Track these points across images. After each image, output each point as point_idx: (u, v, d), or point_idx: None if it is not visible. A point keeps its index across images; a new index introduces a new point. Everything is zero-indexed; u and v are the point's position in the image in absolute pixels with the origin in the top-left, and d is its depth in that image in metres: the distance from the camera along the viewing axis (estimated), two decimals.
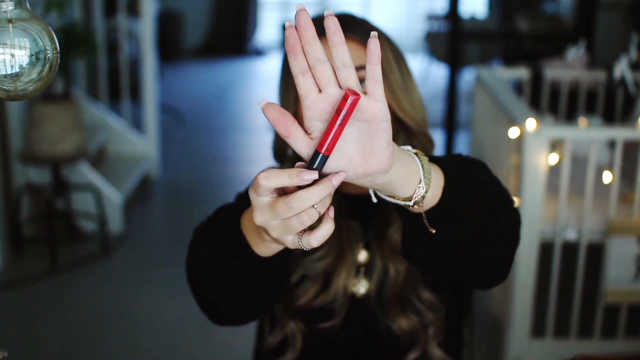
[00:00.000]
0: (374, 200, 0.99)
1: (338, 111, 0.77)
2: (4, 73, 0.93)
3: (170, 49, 8.37)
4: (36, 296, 3.31)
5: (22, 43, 0.92)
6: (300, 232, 0.82)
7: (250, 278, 1.03)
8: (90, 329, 3.05)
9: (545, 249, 2.68)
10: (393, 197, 0.89)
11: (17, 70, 0.92)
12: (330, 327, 1.28)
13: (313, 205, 0.79)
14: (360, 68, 1.13)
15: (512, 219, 1.02)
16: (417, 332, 1.27)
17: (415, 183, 0.87)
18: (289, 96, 1.22)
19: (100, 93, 4.59)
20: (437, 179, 0.90)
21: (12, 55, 0.91)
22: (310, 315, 1.28)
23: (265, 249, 0.97)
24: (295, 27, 0.75)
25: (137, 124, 4.83)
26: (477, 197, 0.95)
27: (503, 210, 1.00)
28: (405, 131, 1.24)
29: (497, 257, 1.00)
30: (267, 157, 5.49)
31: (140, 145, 4.70)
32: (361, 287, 1.29)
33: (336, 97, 0.78)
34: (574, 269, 2.70)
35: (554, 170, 2.74)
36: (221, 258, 1.04)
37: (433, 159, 0.94)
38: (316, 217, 0.80)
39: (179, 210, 4.41)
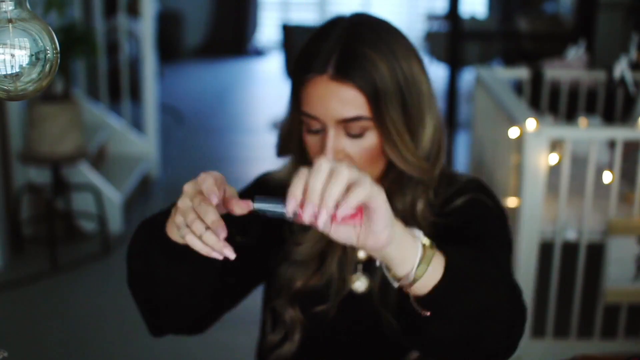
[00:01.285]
0: (377, 264, 1.02)
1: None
2: (4, 73, 0.93)
3: (170, 49, 8.36)
4: (36, 296, 3.31)
5: (22, 43, 0.92)
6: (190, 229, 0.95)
7: (159, 263, 1.06)
8: (90, 329, 3.05)
9: (545, 249, 2.68)
10: (389, 269, 0.96)
11: (17, 70, 0.92)
12: (325, 311, 1.28)
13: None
14: (358, 119, 1.13)
15: (514, 323, 1.07)
16: None
17: (408, 269, 0.94)
18: (296, 117, 1.22)
19: (100, 93, 4.59)
20: (434, 272, 0.95)
21: (12, 56, 0.91)
22: (306, 300, 1.29)
23: (172, 230, 1.03)
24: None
25: (137, 124, 4.83)
26: (472, 300, 0.98)
27: (502, 316, 1.03)
28: (407, 174, 1.22)
29: (490, 354, 1.04)
30: (267, 157, 5.49)
31: (140, 145, 4.70)
32: (360, 284, 1.28)
33: None
34: (574, 269, 2.70)
35: (554, 170, 2.74)
36: (143, 239, 1.10)
37: (445, 248, 0.98)
38: (198, 233, 0.93)
39: None
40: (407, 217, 1.23)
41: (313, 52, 1.16)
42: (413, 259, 0.94)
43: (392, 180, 1.23)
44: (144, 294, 1.13)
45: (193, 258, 1.02)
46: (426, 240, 0.96)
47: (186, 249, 1.00)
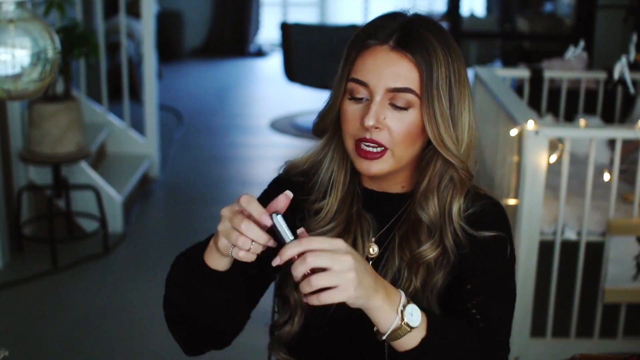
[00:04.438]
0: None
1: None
2: (5, 73, 0.93)
3: (170, 49, 8.37)
4: (36, 296, 3.31)
5: (23, 43, 0.92)
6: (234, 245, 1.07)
7: (199, 291, 1.17)
8: (90, 329, 3.06)
9: (545, 248, 2.68)
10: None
11: (18, 70, 0.93)
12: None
13: (253, 240, 1.06)
14: (407, 90, 1.19)
15: None
16: None
17: (382, 331, 1.08)
18: (340, 89, 1.25)
19: (101, 93, 4.59)
20: (410, 340, 1.09)
21: (13, 56, 0.91)
22: None
23: (211, 258, 1.15)
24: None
25: (137, 124, 4.83)
26: None
27: None
28: (444, 158, 1.24)
29: None
30: (267, 157, 5.49)
31: (140, 145, 4.70)
32: None
33: None
34: (574, 268, 2.70)
35: (554, 170, 2.74)
36: (182, 271, 1.21)
37: (434, 320, 1.11)
38: (245, 247, 1.06)
39: (179, 209, 4.42)
40: (444, 218, 1.26)
41: (377, 24, 1.23)
42: (387, 326, 1.08)
43: (429, 181, 1.26)
44: (184, 322, 1.22)
45: (231, 281, 1.16)
46: (407, 314, 1.08)
47: (224, 275, 1.14)
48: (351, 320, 1.30)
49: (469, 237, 1.26)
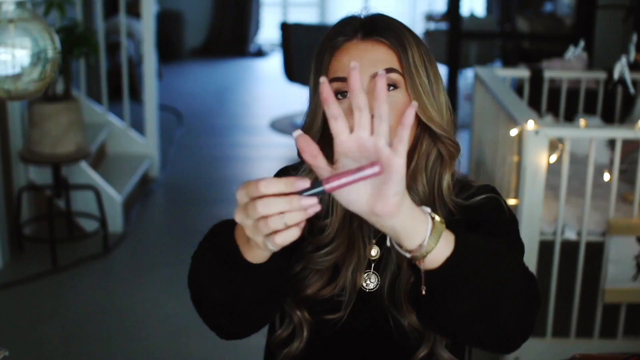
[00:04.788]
0: (388, 244, 1.03)
1: (360, 169, 0.87)
2: (5, 73, 0.93)
3: (170, 49, 8.37)
4: (36, 296, 3.31)
5: (23, 43, 0.92)
6: (269, 235, 0.90)
7: (245, 287, 1.10)
8: (90, 329, 3.06)
9: (545, 248, 2.68)
10: (400, 245, 0.98)
11: (19, 70, 0.93)
12: (336, 319, 1.28)
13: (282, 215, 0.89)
14: (390, 70, 1.21)
15: (529, 300, 1.09)
16: (427, 330, 1.27)
17: (418, 241, 0.96)
18: (318, 98, 1.25)
19: (101, 93, 4.59)
20: (444, 247, 0.98)
21: (13, 56, 0.91)
22: (317, 306, 1.29)
23: (252, 254, 1.04)
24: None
25: (137, 124, 4.83)
26: (485, 274, 1.01)
27: (517, 291, 1.05)
28: (430, 135, 1.26)
29: (500, 335, 1.08)
30: (267, 156, 5.49)
31: (140, 145, 4.70)
32: (370, 282, 1.29)
33: (364, 140, 0.89)
34: (574, 268, 2.70)
35: (554, 170, 2.74)
36: (217, 270, 1.11)
37: (455, 229, 1.01)
38: (280, 226, 0.89)
39: (179, 210, 4.41)
40: (433, 196, 1.27)
41: (341, 24, 1.26)
42: (423, 232, 0.96)
43: (417, 161, 1.27)
44: (225, 316, 1.16)
45: (274, 269, 1.08)
46: (437, 216, 0.99)
47: (267, 265, 1.05)
48: (359, 330, 1.30)
49: (462, 209, 1.27)
